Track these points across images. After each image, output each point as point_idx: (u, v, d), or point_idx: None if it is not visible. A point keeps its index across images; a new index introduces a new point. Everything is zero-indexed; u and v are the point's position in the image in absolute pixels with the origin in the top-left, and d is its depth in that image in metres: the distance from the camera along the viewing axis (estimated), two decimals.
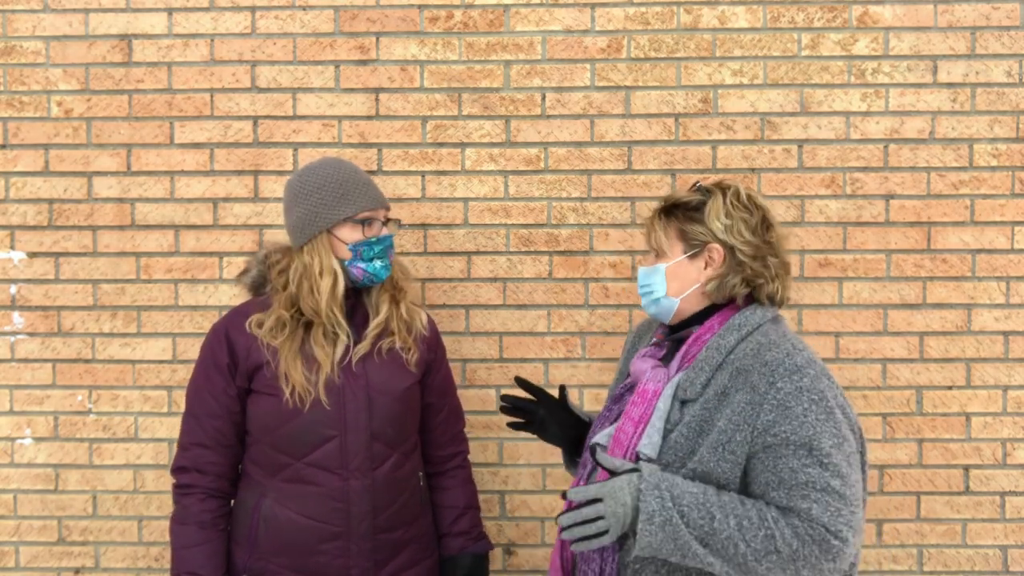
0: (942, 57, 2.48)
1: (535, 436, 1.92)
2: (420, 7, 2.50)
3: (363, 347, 2.00)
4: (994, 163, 2.48)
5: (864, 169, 2.49)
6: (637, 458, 1.63)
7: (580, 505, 1.51)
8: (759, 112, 2.49)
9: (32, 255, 2.54)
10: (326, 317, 1.95)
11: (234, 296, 2.50)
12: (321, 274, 1.95)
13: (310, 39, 2.51)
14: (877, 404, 2.50)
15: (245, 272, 2.12)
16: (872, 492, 2.49)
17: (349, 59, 2.51)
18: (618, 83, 2.49)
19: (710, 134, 2.49)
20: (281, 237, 2.21)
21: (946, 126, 2.48)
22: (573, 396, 2.50)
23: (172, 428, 2.52)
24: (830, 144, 2.49)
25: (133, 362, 2.54)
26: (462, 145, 2.51)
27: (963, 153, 2.48)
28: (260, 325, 1.98)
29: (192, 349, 2.51)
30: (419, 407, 2.12)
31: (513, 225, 2.52)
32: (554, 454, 2.08)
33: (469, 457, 2.26)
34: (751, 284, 1.70)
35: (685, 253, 1.72)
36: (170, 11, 2.51)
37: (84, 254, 2.54)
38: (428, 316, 2.19)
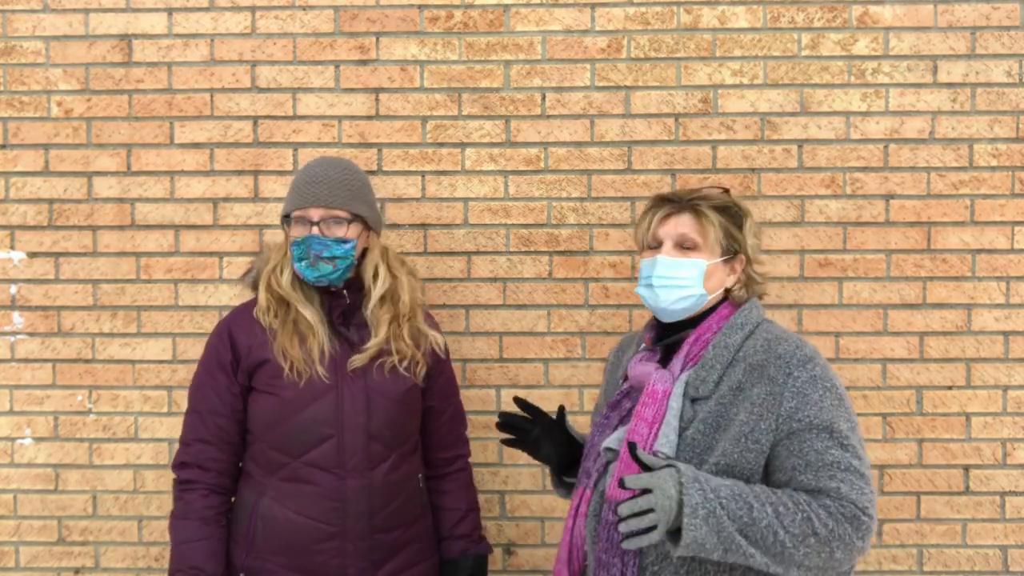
0: (942, 57, 2.48)
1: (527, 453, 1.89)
2: (420, 7, 2.50)
3: (360, 359, 1.99)
4: (994, 163, 2.48)
5: (864, 169, 2.49)
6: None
7: (633, 497, 1.47)
8: (759, 112, 2.49)
9: (32, 255, 2.54)
10: (282, 293, 2.01)
11: (234, 296, 2.50)
12: (278, 261, 2.04)
13: (310, 39, 2.51)
14: (877, 404, 2.50)
15: (248, 272, 2.14)
16: None
17: (349, 59, 2.51)
18: (618, 83, 2.49)
19: (710, 134, 2.49)
20: (280, 237, 2.21)
21: (946, 126, 2.48)
22: (572, 396, 2.50)
23: (172, 428, 2.52)
24: (830, 144, 2.49)
25: (133, 362, 2.54)
26: (462, 145, 2.51)
27: (963, 153, 2.48)
28: (265, 312, 2.02)
29: (192, 349, 2.51)
30: (420, 409, 2.11)
31: (513, 225, 2.52)
32: None
33: (470, 460, 2.26)
34: (755, 294, 1.81)
35: (723, 256, 1.74)
36: (170, 11, 2.51)
37: (84, 254, 2.54)
38: (443, 341, 2.16)
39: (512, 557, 2.54)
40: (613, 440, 1.70)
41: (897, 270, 2.49)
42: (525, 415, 1.85)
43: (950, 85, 2.48)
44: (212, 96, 2.52)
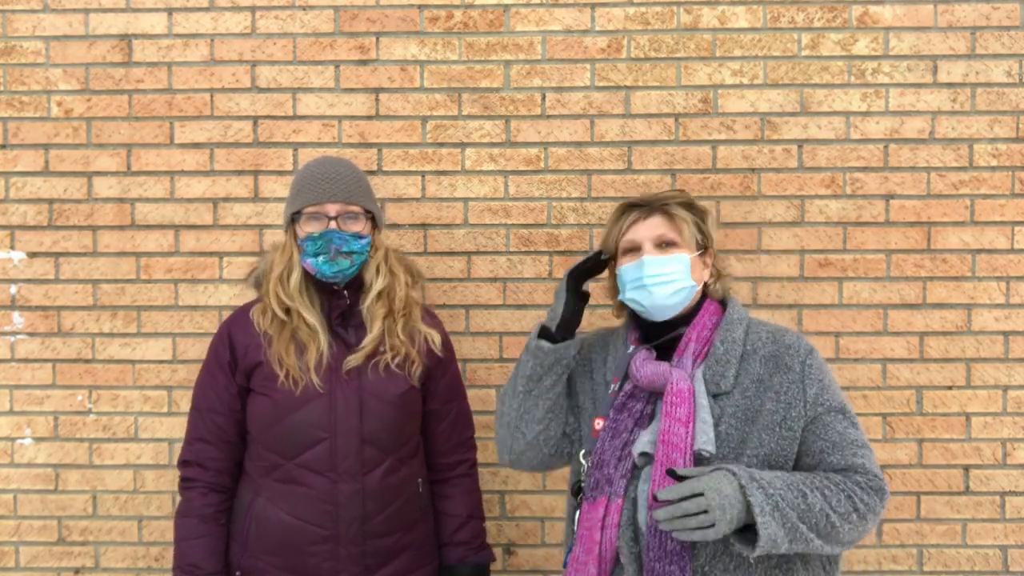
0: (942, 57, 2.48)
1: (565, 288, 1.86)
2: (420, 7, 2.50)
3: (356, 359, 1.98)
4: (994, 163, 2.48)
5: (864, 169, 2.49)
6: (696, 456, 1.63)
7: (676, 501, 1.50)
8: (759, 112, 2.49)
9: (32, 255, 2.54)
10: (289, 304, 1.99)
11: (234, 296, 2.50)
12: (285, 265, 2.01)
13: (310, 39, 2.51)
14: (877, 404, 2.50)
15: (252, 272, 2.14)
16: None
17: (349, 59, 2.51)
18: (618, 83, 2.49)
19: (710, 134, 2.49)
20: (280, 237, 2.21)
21: (946, 126, 2.49)
22: None
23: (172, 428, 2.52)
24: (830, 144, 2.49)
25: (133, 362, 2.54)
26: (462, 145, 2.51)
27: (963, 153, 2.49)
28: (262, 313, 2.02)
29: (192, 349, 2.51)
30: (418, 413, 2.09)
31: (513, 225, 2.52)
32: None
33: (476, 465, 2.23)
34: (727, 289, 1.89)
35: (697, 250, 1.79)
36: (170, 11, 2.51)
37: (84, 254, 2.54)
38: (444, 336, 2.14)
39: (512, 557, 2.54)
40: (645, 444, 1.67)
41: (897, 270, 2.49)
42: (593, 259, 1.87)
43: (950, 85, 2.48)
44: (212, 96, 2.52)
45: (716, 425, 1.67)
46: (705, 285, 1.82)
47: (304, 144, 2.52)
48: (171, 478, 2.49)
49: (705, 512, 1.48)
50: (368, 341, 1.99)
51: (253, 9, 2.51)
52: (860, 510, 1.60)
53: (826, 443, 1.66)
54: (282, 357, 1.96)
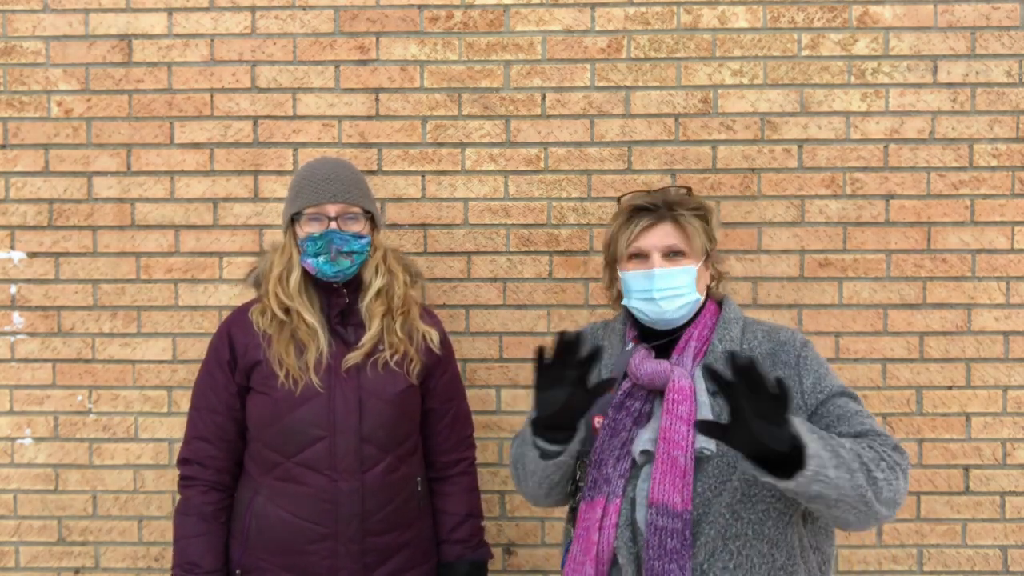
0: (942, 57, 2.48)
1: (534, 386, 1.62)
2: (420, 7, 2.50)
3: (354, 357, 1.99)
4: (994, 163, 2.48)
5: (864, 169, 2.49)
6: (697, 455, 1.62)
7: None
8: (759, 112, 2.49)
9: (32, 255, 2.54)
10: (288, 304, 1.99)
11: (234, 296, 2.51)
12: (284, 266, 2.02)
13: (310, 39, 2.51)
14: (877, 404, 2.50)
15: (251, 272, 2.14)
16: None
17: (349, 59, 2.51)
18: (618, 83, 2.49)
19: (710, 134, 2.49)
20: (280, 237, 2.21)
21: (946, 126, 2.48)
22: None
23: (172, 428, 2.52)
24: (830, 144, 2.49)
25: (133, 362, 2.54)
26: (462, 145, 2.51)
27: (963, 153, 2.48)
28: (261, 314, 2.02)
29: (192, 349, 2.51)
30: (417, 411, 2.10)
31: (513, 225, 2.52)
32: None
33: (475, 463, 2.23)
34: (724, 288, 1.90)
35: (703, 256, 1.78)
36: (170, 11, 2.51)
37: (84, 254, 2.54)
38: (442, 335, 2.15)
39: (512, 557, 2.54)
40: (646, 442, 1.66)
41: (897, 270, 2.49)
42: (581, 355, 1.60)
43: (950, 85, 2.48)
44: (212, 96, 2.52)
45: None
46: (708, 286, 1.82)
47: (304, 144, 2.52)
48: (171, 478, 2.49)
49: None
50: (367, 339, 2.00)
51: (253, 9, 2.51)
52: (888, 461, 1.53)
53: (832, 419, 1.65)
54: (282, 357, 1.96)
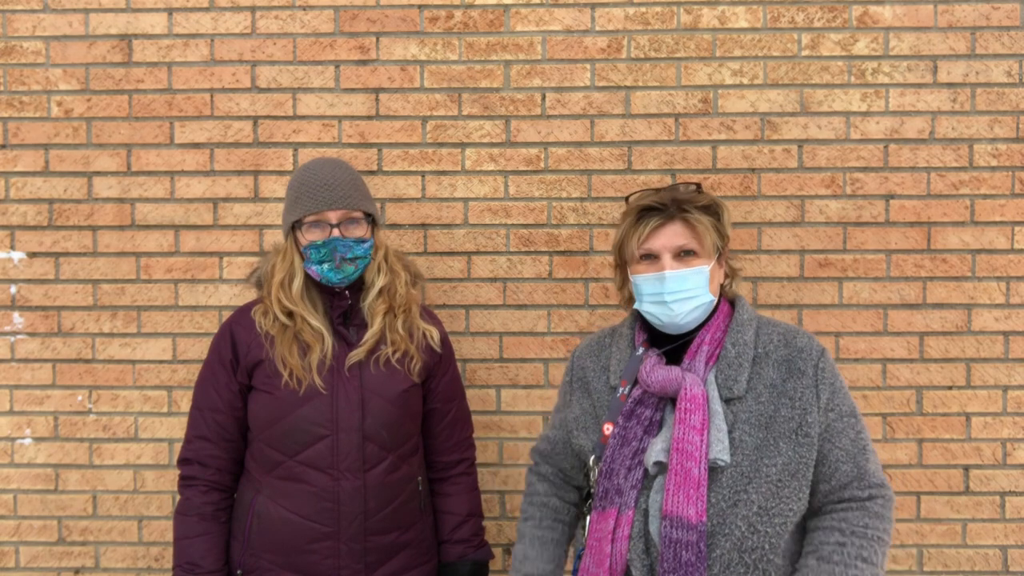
0: (942, 57, 2.48)
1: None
2: (420, 7, 2.50)
3: (357, 354, 1.99)
4: (994, 163, 2.48)
5: (864, 169, 2.49)
6: (712, 465, 1.60)
7: None
8: (759, 112, 2.49)
9: (32, 255, 2.54)
10: (292, 309, 1.99)
11: (234, 296, 2.51)
12: (287, 272, 2.01)
13: (310, 39, 2.51)
14: (877, 404, 2.50)
15: (253, 272, 2.14)
16: None
17: (349, 59, 2.51)
18: (618, 83, 2.49)
19: (710, 134, 2.49)
20: (280, 237, 2.21)
21: (946, 126, 2.49)
22: None
23: (172, 428, 2.52)
24: (830, 144, 2.49)
25: (133, 362, 2.54)
26: (462, 145, 2.51)
27: (963, 153, 2.49)
28: (263, 315, 2.02)
29: (192, 349, 2.51)
30: (419, 411, 2.10)
31: (513, 225, 2.52)
32: None
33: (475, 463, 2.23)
34: (738, 286, 1.86)
35: (715, 255, 1.74)
36: (170, 11, 2.51)
37: (84, 254, 2.54)
38: (442, 334, 2.15)
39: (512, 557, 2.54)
40: (659, 452, 1.63)
41: (897, 270, 2.49)
42: None
43: (950, 85, 2.48)
44: (212, 96, 2.52)
45: (730, 432, 1.63)
46: (721, 285, 1.79)
47: (304, 144, 2.52)
48: (171, 478, 2.49)
49: None
50: (369, 336, 2.00)
51: (253, 9, 2.51)
52: (873, 560, 1.63)
53: (842, 453, 1.66)
54: (286, 357, 1.96)
